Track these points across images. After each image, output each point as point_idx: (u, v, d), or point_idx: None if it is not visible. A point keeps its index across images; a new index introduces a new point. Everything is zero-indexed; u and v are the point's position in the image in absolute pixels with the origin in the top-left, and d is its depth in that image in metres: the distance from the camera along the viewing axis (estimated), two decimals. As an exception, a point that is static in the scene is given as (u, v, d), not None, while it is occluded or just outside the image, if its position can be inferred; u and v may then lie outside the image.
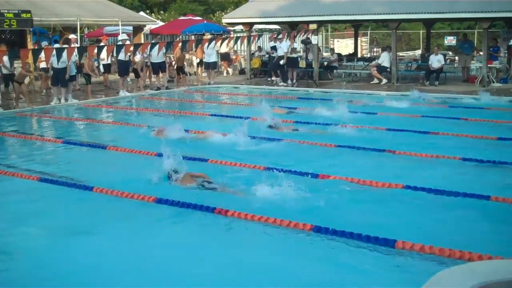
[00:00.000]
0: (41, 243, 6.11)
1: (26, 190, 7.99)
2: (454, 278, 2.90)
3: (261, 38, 22.43)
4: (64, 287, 5.07)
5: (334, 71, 23.19)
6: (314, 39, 21.59)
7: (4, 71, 16.26)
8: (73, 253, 5.72)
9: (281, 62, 20.42)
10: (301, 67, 21.54)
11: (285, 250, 5.82)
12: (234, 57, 27.28)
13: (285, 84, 20.67)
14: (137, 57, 19.12)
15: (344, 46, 35.77)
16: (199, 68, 23.85)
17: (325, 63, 23.03)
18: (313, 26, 21.42)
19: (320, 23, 22.73)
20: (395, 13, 19.70)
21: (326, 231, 5.99)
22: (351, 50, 29.71)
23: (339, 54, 25.62)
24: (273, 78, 21.57)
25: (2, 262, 5.63)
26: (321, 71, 21.94)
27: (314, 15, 21.18)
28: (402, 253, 5.54)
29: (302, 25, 23.48)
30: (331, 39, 37.15)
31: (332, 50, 27.08)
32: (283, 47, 20.40)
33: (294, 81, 21.01)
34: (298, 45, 22.42)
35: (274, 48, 21.34)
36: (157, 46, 18.23)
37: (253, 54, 23.15)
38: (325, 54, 28.02)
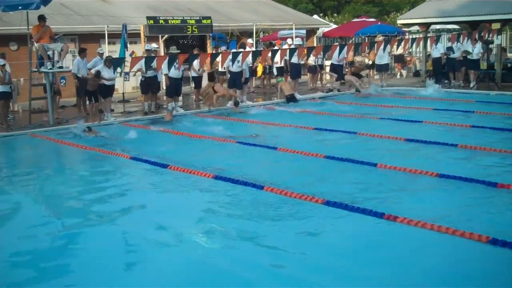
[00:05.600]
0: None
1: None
2: None
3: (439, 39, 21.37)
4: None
5: (519, 72, 21.49)
6: (497, 39, 20.27)
7: (193, 73, 17.39)
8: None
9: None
10: (482, 69, 20.31)
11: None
12: (408, 58, 26.40)
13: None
14: (311, 60, 19.27)
15: (531, 46, 33.10)
16: (371, 71, 23.42)
17: (509, 65, 21.47)
18: (496, 25, 20.11)
19: (505, 22, 21.18)
20: None
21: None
22: (540, 50, 27.55)
23: (525, 55, 23.81)
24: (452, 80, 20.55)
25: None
26: (504, 73, 20.47)
27: (498, 14, 19.80)
28: None
29: (483, 25, 22.10)
30: (516, 39, 34.55)
31: (517, 50, 25.27)
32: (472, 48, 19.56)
33: (475, 83, 19.82)
34: (479, 45, 21.09)
35: (450, 49, 20.28)
36: (345, 49, 18.06)
37: (428, 55, 22.21)
38: (509, 55, 26.17)
